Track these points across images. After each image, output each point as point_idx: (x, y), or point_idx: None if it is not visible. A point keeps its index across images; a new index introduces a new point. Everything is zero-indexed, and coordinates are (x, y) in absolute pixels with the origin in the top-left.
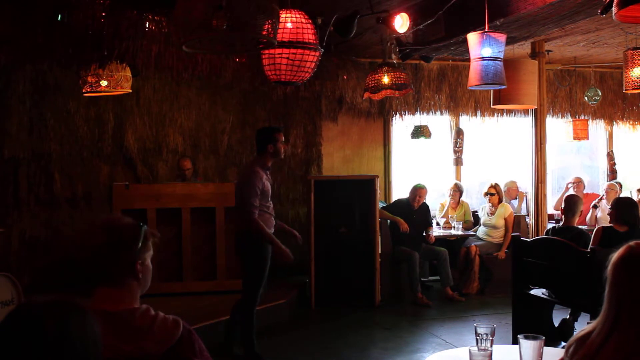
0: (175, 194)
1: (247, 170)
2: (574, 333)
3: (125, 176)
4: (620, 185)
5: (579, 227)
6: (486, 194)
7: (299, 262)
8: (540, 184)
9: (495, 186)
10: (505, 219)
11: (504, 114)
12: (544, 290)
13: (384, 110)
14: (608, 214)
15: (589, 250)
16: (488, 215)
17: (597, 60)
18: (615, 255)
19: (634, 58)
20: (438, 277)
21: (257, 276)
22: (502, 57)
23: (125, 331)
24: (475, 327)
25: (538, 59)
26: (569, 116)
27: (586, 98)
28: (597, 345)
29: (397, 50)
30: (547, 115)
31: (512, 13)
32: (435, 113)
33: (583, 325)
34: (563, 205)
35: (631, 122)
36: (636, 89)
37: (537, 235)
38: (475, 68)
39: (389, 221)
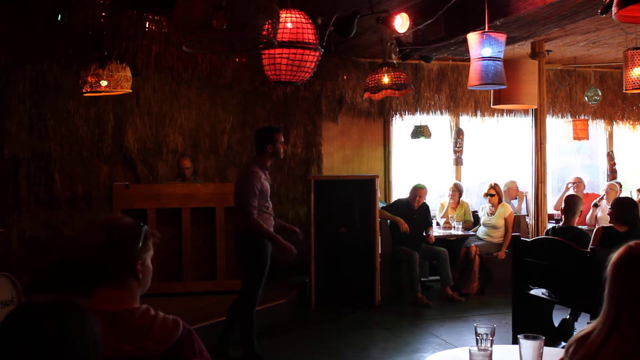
0: (175, 194)
1: (245, 171)
2: (574, 333)
3: (125, 176)
4: (620, 185)
5: (579, 227)
6: (486, 194)
7: (299, 262)
8: (540, 184)
9: (494, 186)
10: (505, 219)
11: (504, 114)
12: (544, 290)
13: (384, 110)
14: (608, 214)
15: (589, 250)
16: (488, 215)
17: (597, 60)
18: (614, 255)
19: (634, 58)
20: (438, 277)
21: (257, 276)
22: (502, 57)
23: (125, 331)
24: (475, 327)
25: (538, 59)
26: (569, 116)
27: (586, 98)
28: (597, 345)
29: (397, 50)
30: (547, 115)
31: (512, 13)
32: (435, 113)
33: (583, 325)
34: (563, 205)
35: (631, 122)
36: (636, 89)
37: (537, 235)
38: (475, 68)
39: (389, 221)
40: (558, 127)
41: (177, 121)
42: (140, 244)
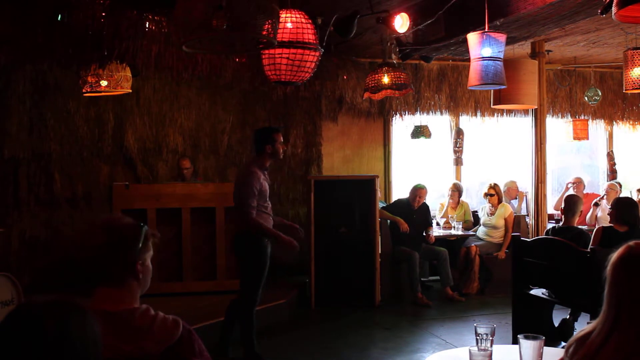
0: (175, 194)
1: (244, 171)
2: (574, 333)
3: (125, 176)
4: (620, 185)
5: (579, 227)
6: (485, 194)
7: (299, 262)
8: (540, 184)
9: (494, 186)
10: (505, 219)
11: (504, 114)
12: (544, 290)
13: (384, 110)
14: (608, 214)
15: (589, 250)
16: (488, 216)
17: (597, 60)
18: (614, 255)
19: (634, 58)
20: (438, 277)
21: (257, 276)
22: (502, 57)
23: (125, 331)
24: (475, 327)
25: (538, 59)
26: (569, 116)
27: (586, 98)
28: (597, 345)
29: (397, 50)
30: (547, 115)
31: (512, 13)
32: (435, 113)
33: (583, 325)
34: (563, 205)
35: (631, 122)
36: (636, 89)
37: (537, 235)
38: (475, 68)
39: (389, 221)
40: (558, 127)
41: (177, 121)
42: (141, 244)
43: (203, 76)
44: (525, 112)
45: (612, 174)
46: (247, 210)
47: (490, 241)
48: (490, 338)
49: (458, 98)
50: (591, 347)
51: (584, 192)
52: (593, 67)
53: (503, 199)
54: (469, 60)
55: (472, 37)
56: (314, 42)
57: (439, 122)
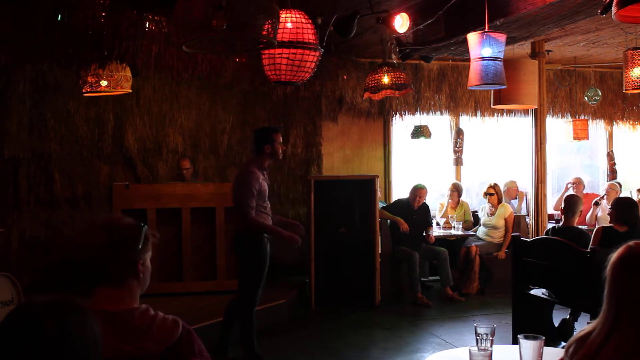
0: (175, 194)
1: (243, 171)
2: (574, 333)
3: (125, 176)
4: (620, 185)
5: (579, 227)
6: (485, 194)
7: (299, 262)
8: (540, 184)
9: (494, 186)
10: (506, 219)
11: (504, 114)
12: (544, 290)
13: (384, 110)
14: (608, 214)
15: (589, 250)
16: (488, 216)
17: (597, 60)
18: (614, 255)
19: (634, 58)
20: (438, 277)
21: (257, 276)
22: (502, 57)
23: (125, 331)
24: (475, 327)
25: (538, 59)
26: (569, 116)
27: (586, 98)
28: (597, 345)
29: (397, 50)
30: (547, 115)
31: (512, 13)
32: (435, 113)
33: (583, 325)
34: (563, 205)
35: (631, 122)
36: (636, 89)
37: (537, 235)
38: (475, 68)
39: (389, 221)
40: (558, 127)
41: (177, 121)
42: (141, 244)
43: (203, 76)
44: (525, 112)
45: (612, 174)
46: (246, 210)
47: (490, 241)
48: (490, 338)
49: (458, 98)
50: (591, 347)
51: (584, 192)
52: (593, 67)
53: (503, 199)
54: (469, 60)
55: (472, 37)
56: (314, 42)
57: (439, 122)
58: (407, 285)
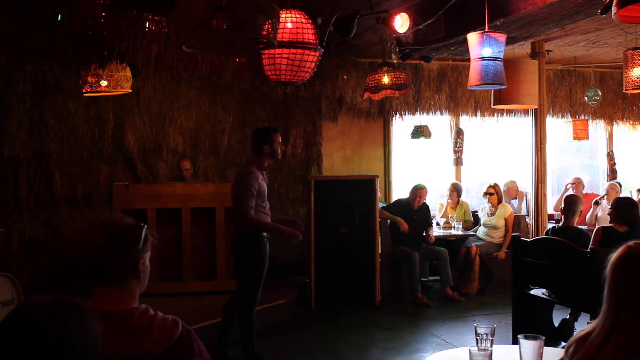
0: (175, 194)
1: (243, 171)
2: (574, 333)
3: (125, 176)
4: (620, 185)
5: (579, 227)
6: (485, 194)
7: (299, 262)
8: (540, 184)
9: (494, 186)
10: (506, 219)
11: (504, 114)
12: (544, 290)
13: (384, 110)
14: (608, 214)
15: (589, 250)
16: (488, 216)
17: (597, 60)
18: (614, 255)
19: (634, 58)
20: (438, 277)
21: (256, 276)
22: (502, 57)
23: (124, 331)
24: (475, 327)
25: (538, 59)
26: (569, 116)
27: (586, 98)
28: (597, 345)
29: (397, 50)
30: (547, 115)
31: (512, 13)
32: (435, 113)
33: (583, 325)
34: (563, 205)
35: (631, 122)
36: (636, 89)
37: (537, 235)
38: (475, 68)
39: (389, 221)
40: (558, 127)
41: (177, 121)
42: (141, 244)
43: (203, 76)
44: (525, 112)
45: (612, 174)
46: (246, 210)
47: (490, 241)
48: (490, 338)
49: (458, 98)
50: (591, 347)
51: (583, 192)
52: (593, 67)
53: (503, 198)
54: (469, 60)
55: (472, 37)
56: (314, 42)
57: (439, 122)
58: (407, 285)
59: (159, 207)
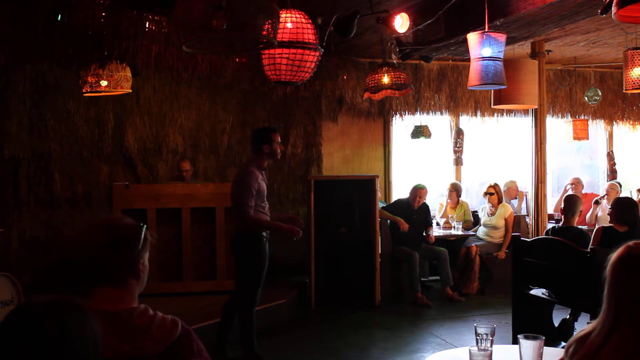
0: (175, 194)
1: (242, 171)
2: (574, 333)
3: (125, 176)
4: (620, 185)
5: (579, 227)
6: (485, 193)
7: (299, 262)
8: (540, 184)
9: (494, 186)
10: (506, 219)
11: (504, 114)
12: (544, 290)
13: (384, 110)
14: (608, 214)
15: (589, 250)
16: (488, 216)
17: (597, 60)
18: (614, 255)
19: (634, 58)
20: (438, 277)
21: (256, 276)
22: (502, 57)
23: (124, 331)
24: (475, 327)
25: (538, 59)
26: (569, 116)
27: (586, 98)
28: (597, 345)
29: (397, 50)
30: (547, 115)
31: (512, 13)
32: (435, 113)
33: (583, 325)
34: (563, 205)
35: (631, 122)
36: (636, 89)
37: (537, 235)
38: (475, 68)
39: (389, 221)
40: (558, 127)
41: (177, 121)
42: (141, 244)
43: (203, 76)
44: (525, 112)
45: (612, 174)
46: (245, 210)
47: (491, 241)
48: (490, 338)
49: (458, 98)
50: (591, 347)
51: (583, 192)
52: (593, 67)
53: (503, 198)
54: (469, 60)
55: (472, 37)
56: (314, 42)
57: (439, 122)
58: (407, 285)
59: (159, 207)
